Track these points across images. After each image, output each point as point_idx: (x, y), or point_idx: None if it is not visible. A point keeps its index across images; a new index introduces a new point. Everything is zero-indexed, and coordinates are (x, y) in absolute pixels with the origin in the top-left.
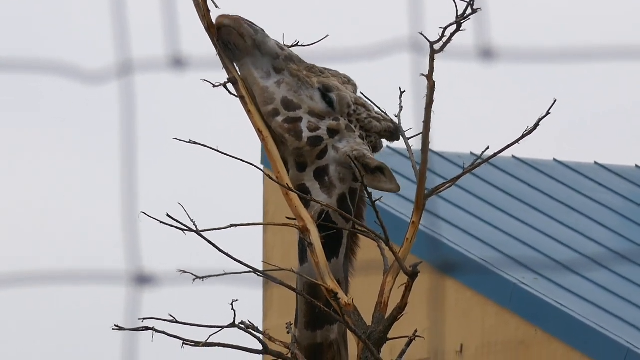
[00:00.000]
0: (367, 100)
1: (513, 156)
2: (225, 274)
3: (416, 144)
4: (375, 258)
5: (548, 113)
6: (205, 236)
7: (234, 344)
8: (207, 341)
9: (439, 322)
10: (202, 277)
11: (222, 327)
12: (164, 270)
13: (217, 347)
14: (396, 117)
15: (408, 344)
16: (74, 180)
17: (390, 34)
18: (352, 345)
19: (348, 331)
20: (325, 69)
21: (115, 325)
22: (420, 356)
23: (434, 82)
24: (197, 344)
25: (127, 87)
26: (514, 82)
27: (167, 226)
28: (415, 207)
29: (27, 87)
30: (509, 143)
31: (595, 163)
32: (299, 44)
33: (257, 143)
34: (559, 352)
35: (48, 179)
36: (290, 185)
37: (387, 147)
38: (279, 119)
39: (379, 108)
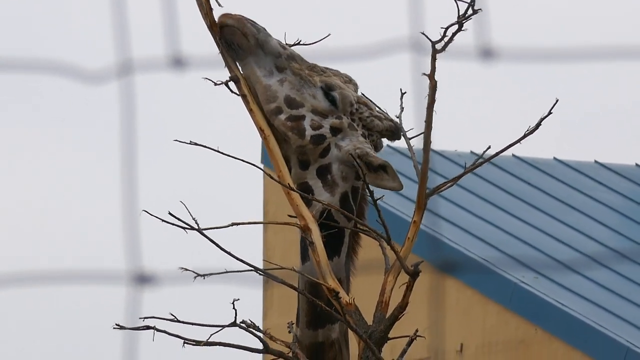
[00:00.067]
0: (368, 100)
1: (513, 155)
2: (227, 272)
3: (417, 144)
4: (375, 257)
5: (550, 113)
6: (207, 235)
7: (235, 343)
8: (208, 340)
9: (439, 321)
10: (204, 275)
11: (223, 327)
12: (164, 269)
13: (217, 346)
14: (397, 117)
15: (409, 344)
16: (74, 180)
17: (390, 34)
18: (354, 344)
19: (349, 330)
20: (327, 68)
21: (117, 324)
22: (420, 355)
23: (435, 82)
24: (198, 343)
25: (127, 87)
26: (514, 82)
27: (169, 225)
28: (416, 206)
29: (27, 87)
30: (510, 142)
31: (596, 162)
32: (301, 42)
33: (257, 143)
34: (559, 352)
35: (48, 179)
36: (292, 185)
37: (387, 146)
38: (282, 116)
39: (379, 108)
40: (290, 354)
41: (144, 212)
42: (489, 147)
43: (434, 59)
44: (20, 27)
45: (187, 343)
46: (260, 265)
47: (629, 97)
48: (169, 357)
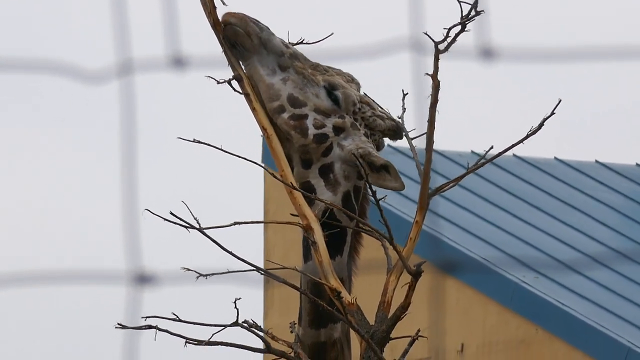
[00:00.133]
0: (371, 99)
1: (514, 155)
2: (229, 272)
3: (418, 144)
4: (376, 257)
5: (553, 113)
6: (209, 234)
7: (236, 342)
8: (210, 340)
9: (439, 321)
10: (206, 275)
11: (225, 326)
12: (164, 269)
13: (219, 345)
14: (399, 118)
15: (411, 344)
16: (74, 180)
17: (390, 34)
18: (355, 344)
19: (351, 330)
20: (330, 67)
21: (119, 324)
22: (421, 355)
23: (438, 82)
24: (200, 342)
25: (127, 87)
26: (514, 82)
27: (169, 225)
28: (419, 206)
29: (27, 87)
30: (513, 143)
31: (596, 162)
32: (304, 42)
33: (257, 143)
34: (560, 351)
35: (48, 179)
36: (295, 184)
37: (389, 146)
38: (285, 115)
39: (381, 107)
40: (292, 354)
41: (146, 211)
42: (492, 147)
43: (437, 59)
44: (20, 27)
45: (189, 342)
46: (261, 265)
47: (629, 97)
48: (169, 357)
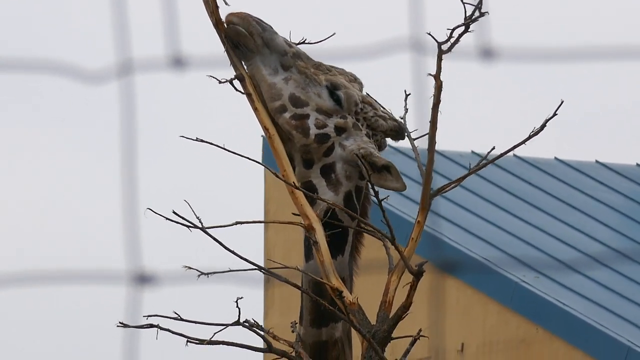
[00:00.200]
0: (373, 99)
1: (514, 155)
2: (231, 270)
3: (419, 144)
4: (377, 257)
5: (555, 114)
6: (211, 234)
7: (238, 342)
8: (211, 339)
9: (439, 321)
10: (208, 274)
11: (227, 325)
12: (164, 269)
13: (221, 345)
14: (401, 118)
15: (412, 343)
16: (74, 179)
17: (391, 34)
18: (357, 344)
19: (352, 330)
20: (332, 66)
21: (120, 322)
22: (421, 355)
23: (441, 82)
24: (201, 341)
25: (127, 87)
26: (514, 82)
27: (169, 224)
28: (420, 206)
29: (27, 87)
30: (515, 144)
31: (596, 162)
32: (306, 41)
33: (258, 143)
34: (560, 351)
35: (48, 179)
36: (297, 184)
37: (390, 146)
38: (287, 115)
39: (383, 107)
40: (294, 353)
41: (148, 210)
42: (494, 148)
43: (439, 60)
44: (20, 27)
45: (191, 342)
46: (262, 265)
47: (629, 97)
48: (170, 356)
